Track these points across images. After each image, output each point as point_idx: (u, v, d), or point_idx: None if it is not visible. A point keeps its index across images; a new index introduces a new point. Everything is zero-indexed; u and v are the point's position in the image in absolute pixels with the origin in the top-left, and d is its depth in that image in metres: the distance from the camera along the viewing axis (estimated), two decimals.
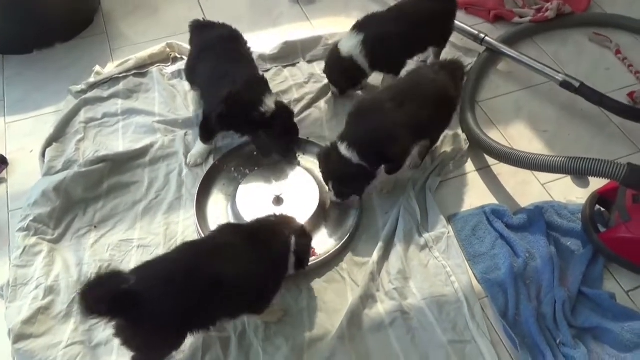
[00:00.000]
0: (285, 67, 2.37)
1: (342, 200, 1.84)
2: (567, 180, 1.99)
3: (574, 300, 1.69)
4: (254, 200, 1.88)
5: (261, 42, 2.40)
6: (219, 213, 1.89)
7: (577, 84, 2.09)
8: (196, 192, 1.90)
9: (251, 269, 1.47)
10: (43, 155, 2.04)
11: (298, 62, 2.38)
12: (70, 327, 1.64)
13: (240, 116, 1.87)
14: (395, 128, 1.75)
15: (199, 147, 2.02)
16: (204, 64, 1.99)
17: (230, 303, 1.48)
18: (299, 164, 2.00)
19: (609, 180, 1.75)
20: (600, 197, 1.84)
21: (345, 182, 1.80)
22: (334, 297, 1.70)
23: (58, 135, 2.10)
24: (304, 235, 1.63)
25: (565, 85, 2.11)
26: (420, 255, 1.78)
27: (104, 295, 1.29)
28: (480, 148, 2.01)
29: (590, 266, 1.76)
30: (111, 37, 2.53)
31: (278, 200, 1.88)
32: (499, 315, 1.65)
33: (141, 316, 1.35)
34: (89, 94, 2.23)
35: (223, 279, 1.43)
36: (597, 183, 1.90)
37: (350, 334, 1.61)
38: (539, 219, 1.85)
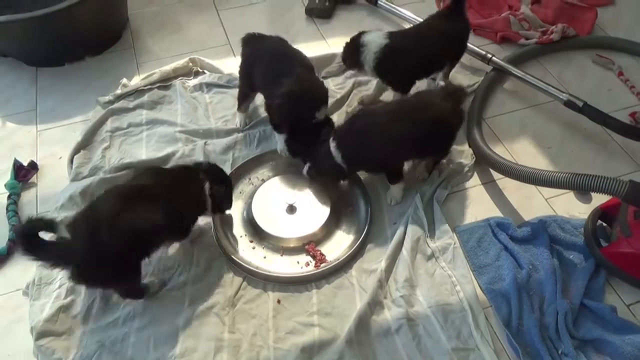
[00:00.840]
0: None
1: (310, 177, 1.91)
2: (570, 195, 1.96)
3: (576, 312, 1.64)
4: (268, 208, 1.87)
5: None
6: (235, 218, 1.89)
7: (580, 104, 2.05)
8: None
9: (167, 208, 1.55)
10: (71, 161, 2.04)
11: None
12: (89, 327, 1.63)
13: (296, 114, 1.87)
14: (382, 141, 1.77)
15: (279, 139, 2.00)
16: (263, 68, 1.96)
17: (154, 236, 1.58)
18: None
19: (611, 197, 1.71)
20: (602, 213, 1.80)
21: (321, 172, 1.87)
22: (343, 303, 1.68)
23: (86, 143, 2.10)
24: (220, 183, 1.73)
25: (569, 104, 2.08)
26: (427, 264, 1.75)
27: (36, 246, 1.41)
28: (486, 163, 1.98)
29: (592, 279, 1.72)
30: (138, 52, 2.55)
31: (291, 209, 1.87)
32: (503, 324, 1.61)
33: (80, 261, 1.45)
34: (116, 105, 2.24)
35: (144, 216, 1.51)
36: (599, 199, 1.87)
37: (358, 339, 1.58)
38: (542, 232, 1.81)
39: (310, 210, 1.86)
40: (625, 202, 1.67)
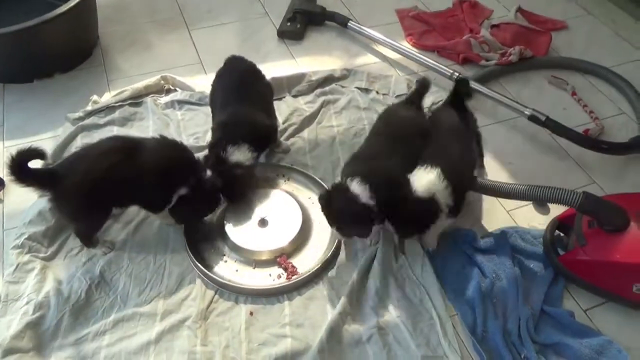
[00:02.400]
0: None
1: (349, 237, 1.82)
2: (529, 207, 2.06)
3: (537, 318, 1.73)
4: (240, 222, 1.90)
5: None
6: (207, 232, 1.91)
7: (543, 118, 2.19)
8: None
9: (153, 178, 1.72)
10: None
11: (284, 97, 2.43)
12: (57, 343, 1.62)
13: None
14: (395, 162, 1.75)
15: None
16: (217, 92, 2.05)
17: (134, 194, 1.76)
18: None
19: (567, 207, 1.82)
20: (559, 223, 1.90)
21: (349, 223, 1.74)
22: (314, 314, 1.71)
23: (54, 159, 2.08)
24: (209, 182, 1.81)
25: (533, 118, 2.21)
26: (397, 275, 1.81)
27: (27, 172, 1.62)
28: None
29: (552, 286, 1.81)
30: (108, 70, 2.56)
31: (263, 222, 1.91)
32: (468, 331, 1.68)
33: (61, 192, 1.66)
34: (86, 121, 2.25)
35: (131, 174, 1.70)
36: (557, 210, 1.98)
37: (330, 348, 1.61)
38: (504, 242, 1.89)
39: (282, 223, 1.90)
40: (579, 212, 1.78)
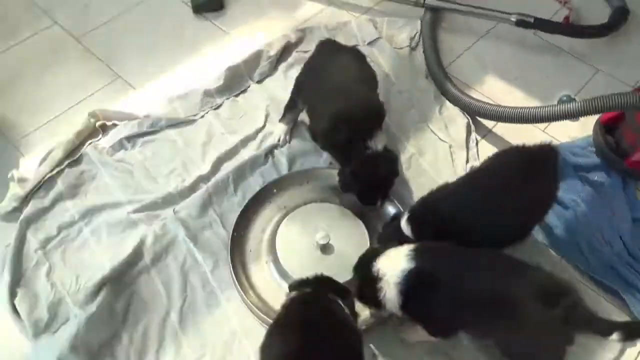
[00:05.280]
0: (237, 95, 2.01)
1: None
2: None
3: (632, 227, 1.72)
4: (297, 252, 1.60)
5: (197, 75, 2.04)
6: (265, 280, 1.59)
7: (531, 20, 2.08)
8: (231, 269, 1.57)
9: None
10: (16, 312, 1.50)
11: (249, 86, 2.03)
12: None
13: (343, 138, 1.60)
14: None
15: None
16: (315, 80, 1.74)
17: None
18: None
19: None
20: (604, 127, 1.87)
21: None
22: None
23: (17, 279, 1.56)
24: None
25: (520, 23, 2.10)
26: None
27: None
28: (480, 115, 1.92)
29: (625, 191, 1.80)
30: (6, 132, 1.90)
31: (325, 249, 1.61)
32: (586, 271, 1.63)
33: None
34: (27, 210, 1.68)
35: None
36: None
37: None
38: (564, 164, 1.82)
39: (349, 249, 1.58)
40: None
